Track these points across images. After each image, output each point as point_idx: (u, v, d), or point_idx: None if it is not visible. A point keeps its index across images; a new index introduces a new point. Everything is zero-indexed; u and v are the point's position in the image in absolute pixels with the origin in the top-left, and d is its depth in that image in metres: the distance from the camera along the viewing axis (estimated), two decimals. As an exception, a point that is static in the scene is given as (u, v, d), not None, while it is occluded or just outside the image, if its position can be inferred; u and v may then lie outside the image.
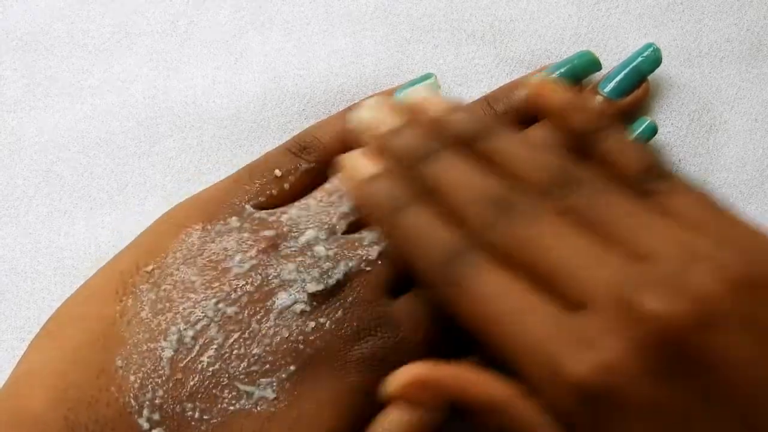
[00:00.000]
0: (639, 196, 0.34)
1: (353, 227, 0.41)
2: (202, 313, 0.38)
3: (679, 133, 0.46)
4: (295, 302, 0.39)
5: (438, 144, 0.37)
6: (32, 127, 0.46)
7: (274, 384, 0.38)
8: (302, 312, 0.38)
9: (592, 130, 0.37)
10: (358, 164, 0.38)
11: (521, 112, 0.44)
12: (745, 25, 0.48)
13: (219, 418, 0.37)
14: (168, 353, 0.38)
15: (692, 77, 0.47)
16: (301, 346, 0.38)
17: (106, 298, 0.39)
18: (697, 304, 0.30)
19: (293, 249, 0.40)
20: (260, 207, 0.41)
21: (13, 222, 0.45)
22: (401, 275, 0.40)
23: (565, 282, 0.32)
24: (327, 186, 0.42)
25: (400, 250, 0.36)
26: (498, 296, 0.33)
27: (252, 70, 0.46)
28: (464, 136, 0.37)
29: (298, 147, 0.43)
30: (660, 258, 0.32)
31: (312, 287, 0.39)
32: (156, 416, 0.37)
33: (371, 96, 0.40)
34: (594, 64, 0.45)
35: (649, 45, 0.45)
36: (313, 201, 0.41)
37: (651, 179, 0.35)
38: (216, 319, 0.38)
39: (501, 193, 0.34)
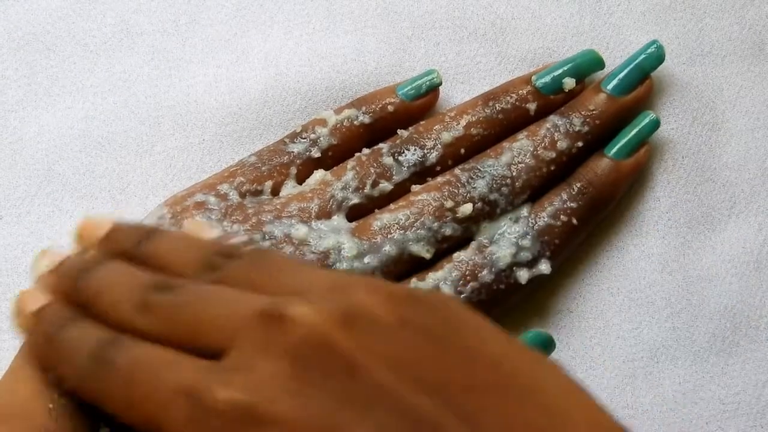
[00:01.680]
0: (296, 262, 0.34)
1: None
2: None
3: (681, 131, 0.46)
4: None
5: (97, 258, 0.36)
6: (34, 127, 0.46)
7: None
8: None
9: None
10: (26, 299, 0.37)
11: (519, 112, 0.44)
12: (747, 24, 0.48)
13: None
14: None
15: (694, 76, 0.47)
16: None
17: None
18: (347, 307, 0.29)
19: None
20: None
21: (15, 221, 0.45)
22: None
23: (209, 331, 0.31)
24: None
25: (58, 371, 0.35)
26: (147, 361, 0.32)
27: (253, 69, 0.46)
28: (121, 245, 0.36)
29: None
30: (312, 289, 0.31)
31: None
32: None
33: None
34: (597, 63, 0.45)
35: (653, 42, 0.45)
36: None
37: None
38: None
39: (153, 280, 0.34)
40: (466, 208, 0.42)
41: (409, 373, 0.28)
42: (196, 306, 0.32)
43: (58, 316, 0.35)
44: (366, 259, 0.41)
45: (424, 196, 0.42)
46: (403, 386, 0.28)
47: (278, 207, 0.42)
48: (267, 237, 0.41)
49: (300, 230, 0.41)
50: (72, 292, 0.36)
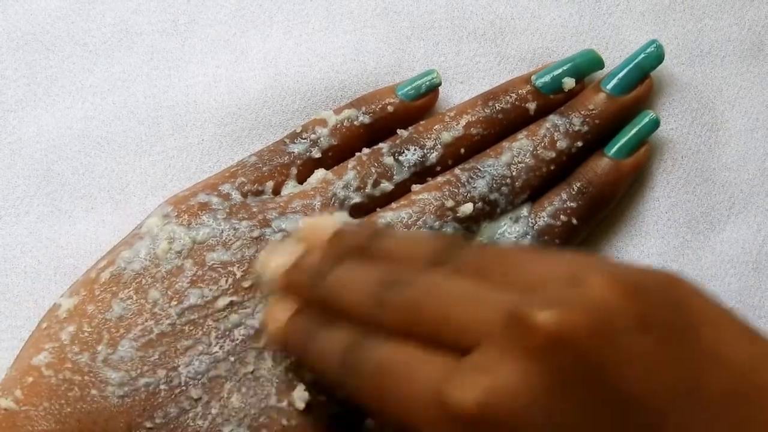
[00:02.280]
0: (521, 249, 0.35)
1: None
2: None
3: (680, 131, 0.46)
4: None
5: (333, 260, 0.37)
6: (33, 127, 0.46)
7: None
8: None
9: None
10: (277, 310, 0.38)
11: (519, 112, 0.44)
12: (746, 25, 0.48)
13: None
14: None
15: (693, 76, 0.47)
16: None
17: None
18: (590, 312, 0.29)
19: None
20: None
21: (14, 221, 0.45)
22: None
23: (455, 330, 0.31)
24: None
25: (317, 374, 0.37)
26: (392, 362, 0.32)
27: (253, 69, 0.46)
28: (352, 244, 0.37)
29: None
30: (549, 283, 0.31)
31: None
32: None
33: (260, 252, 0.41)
34: (597, 63, 0.45)
35: (652, 42, 0.45)
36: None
37: None
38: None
39: (384, 276, 0.34)
40: (467, 208, 0.42)
41: (659, 379, 0.29)
42: (436, 301, 0.32)
43: (307, 325, 0.36)
44: None
45: (424, 196, 0.42)
46: (654, 396, 0.28)
47: (282, 204, 0.42)
48: (276, 230, 0.41)
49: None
50: (312, 296, 0.37)
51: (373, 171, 0.43)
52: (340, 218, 0.39)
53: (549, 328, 0.29)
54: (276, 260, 0.38)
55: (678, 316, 0.30)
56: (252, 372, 0.39)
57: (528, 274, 0.32)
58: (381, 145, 0.44)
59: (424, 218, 0.42)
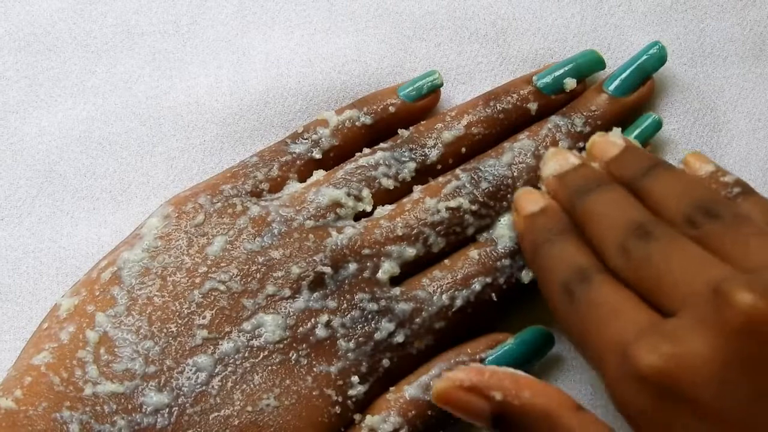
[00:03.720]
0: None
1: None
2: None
3: (682, 132, 0.46)
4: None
5: (601, 180, 0.39)
6: (35, 128, 0.46)
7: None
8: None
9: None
10: (525, 199, 0.41)
11: (520, 112, 0.44)
12: (748, 25, 0.48)
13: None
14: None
15: (695, 77, 0.47)
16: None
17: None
18: None
19: None
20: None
21: (16, 222, 0.45)
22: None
23: (668, 290, 0.33)
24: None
25: (539, 283, 0.38)
26: (602, 304, 0.34)
27: (254, 69, 0.46)
28: (627, 173, 0.39)
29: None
30: (765, 269, 0.32)
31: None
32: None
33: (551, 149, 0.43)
34: (598, 63, 0.45)
35: (655, 43, 0.45)
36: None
37: None
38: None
39: (639, 220, 0.36)
40: (468, 208, 0.42)
41: None
42: (666, 261, 0.34)
43: (549, 227, 0.39)
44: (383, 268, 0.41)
45: (425, 197, 0.42)
46: None
47: (286, 204, 0.42)
48: (276, 230, 0.41)
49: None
50: (569, 205, 0.39)
51: (373, 171, 0.43)
52: (628, 141, 0.42)
53: (743, 308, 0.30)
54: (556, 164, 0.41)
55: None
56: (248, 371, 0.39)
57: (753, 255, 0.33)
58: (382, 144, 0.44)
59: (424, 219, 0.42)
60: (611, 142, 0.41)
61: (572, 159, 0.41)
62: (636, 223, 0.36)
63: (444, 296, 0.41)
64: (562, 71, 0.45)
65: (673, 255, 0.34)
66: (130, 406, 0.38)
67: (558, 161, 0.41)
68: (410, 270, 0.42)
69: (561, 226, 0.39)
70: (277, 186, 0.43)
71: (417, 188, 0.43)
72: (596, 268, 0.36)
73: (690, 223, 0.36)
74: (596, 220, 0.37)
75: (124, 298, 0.40)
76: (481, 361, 0.41)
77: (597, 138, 0.42)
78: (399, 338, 0.40)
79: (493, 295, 0.42)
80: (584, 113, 0.44)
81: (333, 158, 0.44)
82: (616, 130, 0.43)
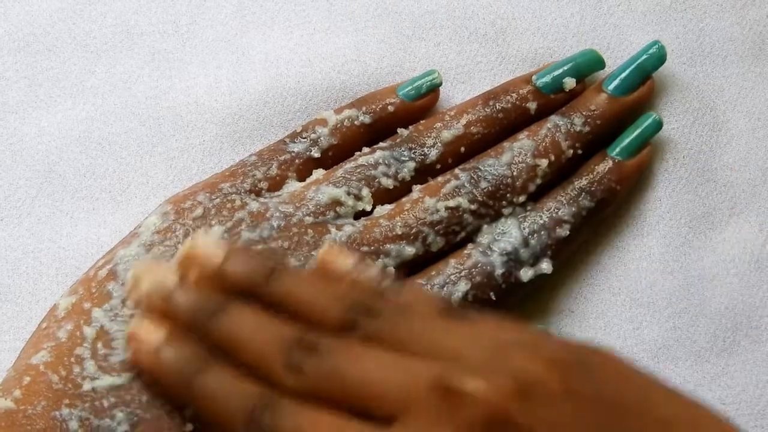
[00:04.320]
0: (437, 315, 0.34)
1: None
2: None
3: (681, 131, 0.46)
4: None
5: (222, 297, 0.36)
6: (34, 128, 0.46)
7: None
8: None
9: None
10: (143, 333, 0.37)
11: (519, 112, 0.44)
12: (748, 25, 0.48)
13: None
14: None
15: (695, 76, 0.47)
16: None
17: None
18: (517, 378, 0.30)
19: None
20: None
21: (15, 222, 0.45)
22: None
23: (377, 399, 0.31)
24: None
25: (204, 416, 0.35)
26: (309, 427, 0.32)
27: (254, 69, 0.46)
28: (245, 283, 0.36)
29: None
30: (472, 352, 0.31)
31: None
32: None
33: (139, 260, 0.39)
34: (598, 63, 0.45)
35: (654, 42, 0.45)
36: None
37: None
38: None
39: (298, 336, 0.34)
40: (467, 207, 0.42)
41: None
42: (355, 371, 0.32)
43: (188, 358, 0.35)
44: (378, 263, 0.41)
45: (424, 196, 0.42)
46: None
47: (286, 201, 0.42)
48: (275, 228, 0.41)
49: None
50: (194, 329, 0.36)
51: (373, 170, 0.43)
52: (219, 238, 0.38)
53: (477, 395, 0.29)
54: (154, 278, 0.37)
55: (603, 382, 0.30)
56: None
57: (446, 346, 0.32)
58: (381, 143, 0.44)
59: (424, 219, 0.42)
60: (209, 248, 0.37)
61: (168, 276, 0.37)
62: (292, 338, 0.33)
63: (442, 295, 0.41)
64: (561, 71, 0.45)
65: (360, 362, 0.32)
66: (128, 398, 0.38)
67: (153, 280, 0.37)
68: (409, 269, 0.42)
69: (201, 355, 0.35)
70: (276, 185, 0.43)
71: (416, 188, 0.43)
72: (274, 396, 0.33)
73: (349, 327, 0.34)
74: (241, 347, 0.34)
75: (119, 291, 0.40)
76: None
77: (190, 245, 0.37)
78: None
79: (492, 294, 0.42)
80: (584, 113, 0.44)
81: (332, 157, 0.44)
82: (214, 231, 0.39)
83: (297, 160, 0.43)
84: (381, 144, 0.44)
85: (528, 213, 0.43)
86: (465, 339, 0.32)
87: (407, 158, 0.43)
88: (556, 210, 0.43)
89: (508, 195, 0.43)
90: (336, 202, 0.42)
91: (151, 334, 0.36)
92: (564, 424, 0.29)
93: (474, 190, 0.42)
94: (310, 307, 0.35)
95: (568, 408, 0.30)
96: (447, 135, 0.43)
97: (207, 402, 0.34)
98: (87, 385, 0.38)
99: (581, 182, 0.43)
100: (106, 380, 0.38)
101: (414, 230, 0.42)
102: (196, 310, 0.36)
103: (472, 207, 0.42)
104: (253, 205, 0.42)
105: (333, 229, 0.41)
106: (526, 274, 0.42)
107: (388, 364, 0.32)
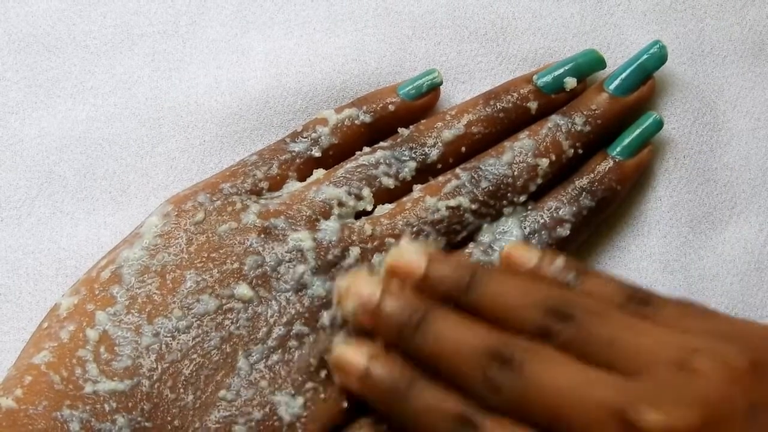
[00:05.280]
0: (629, 313, 0.35)
1: None
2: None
3: (682, 131, 0.46)
4: None
5: (425, 307, 0.36)
6: (34, 128, 0.46)
7: None
8: None
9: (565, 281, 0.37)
10: (348, 357, 0.37)
11: (520, 111, 0.44)
12: (748, 25, 0.48)
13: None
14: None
15: (695, 76, 0.47)
16: None
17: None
18: (701, 407, 0.30)
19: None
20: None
21: (15, 223, 0.45)
22: None
23: (565, 418, 0.32)
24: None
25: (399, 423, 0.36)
26: None
27: (254, 69, 0.46)
28: (448, 290, 0.37)
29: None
30: (657, 367, 0.31)
31: None
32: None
33: (350, 272, 0.40)
34: (598, 63, 0.45)
35: (655, 42, 0.45)
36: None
37: (634, 305, 0.35)
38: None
39: (494, 346, 0.34)
40: (468, 207, 0.42)
41: None
42: (545, 389, 0.33)
43: (394, 379, 0.36)
44: (373, 260, 0.41)
45: (425, 196, 0.42)
46: None
47: (287, 202, 0.42)
48: (276, 228, 0.41)
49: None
50: (398, 343, 0.36)
51: (373, 170, 0.43)
52: (426, 248, 0.38)
53: (660, 429, 0.29)
54: (359, 294, 0.38)
55: None
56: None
57: (634, 351, 0.32)
58: (382, 143, 0.44)
59: (425, 218, 0.42)
60: (413, 258, 0.38)
61: (373, 288, 0.37)
62: (490, 350, 0.34)
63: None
64: (562, 70, 0.45)
65: (548, 379, 0.33)
66: (130, 404, 0.38)
67: (357, 296, 0.37)
68: None
69: (406, 376, 0.36)
70: (276, 184, 0.43)
71: (417, 187, 0.43)
72: (476, 411, 0.34)
73: (545, 334, 0.34)
74: (445, 359, 0.35)
75: (123, 296, 0.40)
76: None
77: (395, 256, 0.38)
78: None
79: None
80: (584, 112, 0.44)
81: (332, 157, 0.44)
82: (408, 245, 0.39)
83: (298, 160, 0.43)
84: (382, 144, 0.44)
85: (529, 212, 0.43)
86: (651, 343, 0.32)
87: (408, 158, 0.43)
88: (556, 209, 0.43)
89: (508, 194, 0.43)
90: (337, 203, 0.42)
91: (357, 356, 0.37)
92: None
93: (475, 190, 0.42)
94: (506, 312, 0.35)
95: (755, 428, 0.30)
96: (448, 134, 0.43)
97: (417, 420, 0.35)
98: (89, 388, 0.38)
99: (582, 182, 0.43)
100: (108, 385, 0.38)
101: (415, 229, 0.42)
102: (403, 321, 0.36)
103: (473, 206, 0.42)
104: (254, 207, 0.42)
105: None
106: (526, 273, 0.42)
107: (575, 381, 0.32)
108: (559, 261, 0.38)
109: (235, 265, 0.40)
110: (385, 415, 0.37)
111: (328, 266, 0.41)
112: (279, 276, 0.40)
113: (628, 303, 0.35)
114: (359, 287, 0.38)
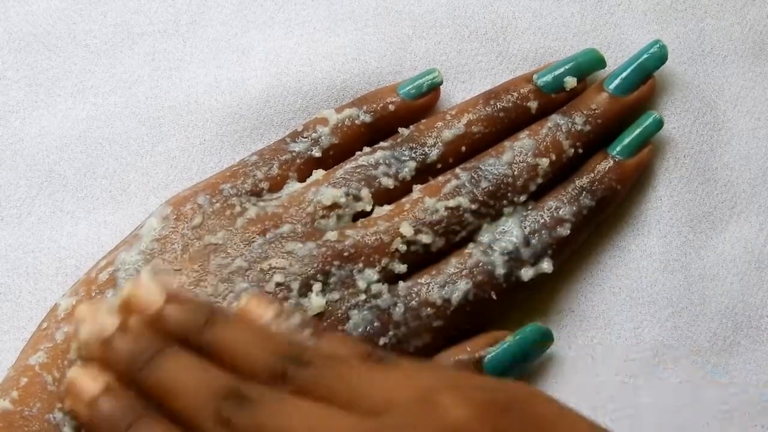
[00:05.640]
0: (365, 360, 0.34)
1: None
2: None
3: (682, 131, 0.46)
4: None
5: (158, 344, 0.35)
6: (35, 128, 0.46)
7: None
8: None
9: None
10: (81, 382, 0.35)
11: (520, 111, 0.44)
12: (748, 24, 0.48)
13: None
14: None
15: (695, 76, 0.47)
16: None
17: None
18: None
19: None
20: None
21: (16, 222, 0.45)
22: None
23: None
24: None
25: None
26: None
27: (254, 69, 0.46)
28: (182, 330, 0.35)
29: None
30: (399, 406, 0.31)
31: None
32: None
33: (79, 303, 0.39)
34: (598, 62, 0.45)
35: (655, 42, 0.45)
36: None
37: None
38: None
39: (229, 386, 0.33)
40: (467, 207, 0.42)
41: None
42: (284, 426, 0.31)
43: (121, 411, 0.34)
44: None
45: (424, 196, 0.42)
46: None
47: (285, 204, 0.42)
48: (277, 229, 0.41)
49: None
50: (133, 379, 0.35)
51: (372, 170, 0.43)
52: (165, 284, 0.37)
53: None
54: (93, 324, 0.36)
55: (531, 428, 0.30)
56: None
57: (375, 394, 0.32)
58: (382, 143, 0.44)
59: (424, 218, 0.42)
60: (150, 293, 0.36)
61: (109, 319, 0.36)
62: (224, 388, 0.33)
63: (442, 295, 0.41)
64: (562, 70, 0.45)
65: (287, 417, 0.32)
66: None
67: (93, 324, 0.36)
68: (410, 269, 0.42)
69: (133, 409, 0.34)
70: (277, 185, 0.43)
71: (416, 187, 0.43)
72: None
73: (281, 378, 0.33)
74: (174, 395, 0.34)
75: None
76: (481, 359, 0.41)
77: (132, 289, 0.36)
78: (397, 336, 0.40)
79: (493, 293, 0.42)
80: (585, 112, 0.44)
81: (333, 157, 0.43)
82: (147, 279, 0.37)
83: (298, 160, 0.43)
84: (382, 144, 0.44)
85: (529, 212, 0.43)
86: (392, 386, 0.32)
87: (408, 158, 0.43)
88: (557, 209, 0.43)
89: (508, 194, 0.43)
90: (335, 204, 0.42)
91: (90, 383, 0.35)
92: None
93: (475, 190, 0.42)
94: (242, 356, 0.34)
95: None
96: (448, 134, 0.43)
97: None
98: None
99: (582, 181, 0.43)
100: None
101: (413, 230, 0.42)
102: (133, 355, 0.35)
103: (473, 206, 0.42)
104: (252, 210, 0.42)
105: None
106: (527, 273, 0.42)
107: (316, 420, 0.31)
108: (296, 318, 0.36)
109: (225, 278, 0.40)
110: None
111: (326, 276, 0.41)
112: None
113: (366, 358, 0.34)
114: (96, 317, 0.36)
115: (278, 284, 0.40)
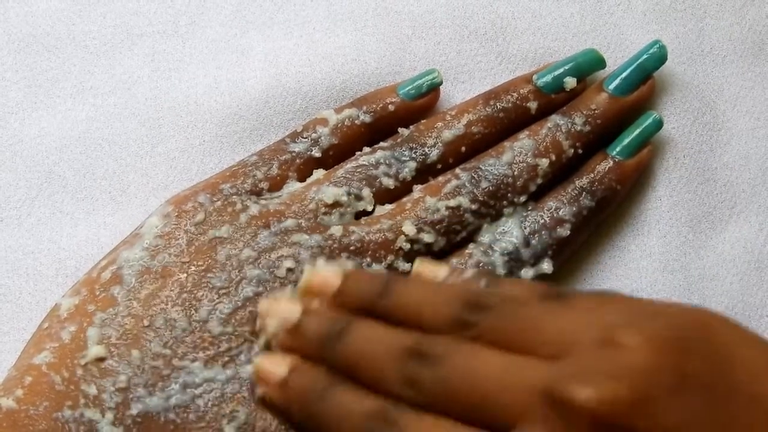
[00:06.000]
0: (544, 299, 0.34)
1: None
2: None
3: (681, 131, 0.46)
4: None
5: (346, 317, 0.37)
6: (34, 129, 0.46)
7: None
8: None
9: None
10: (268, 368, 0.37)
11: (520, 111, 0.44)
12: (747, 24, 0.48)
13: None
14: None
15: (694, 76, 0.47)
16: None
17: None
18: (630, 381, 0.29)
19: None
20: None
21: (15, 223, 0.45)
22: None
23: (491, 409, 0.31)
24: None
25: None
26: None
27: (254, 69, 0.46)
28: (364, 301, 0.37)
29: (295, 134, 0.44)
30: (581, 347, 0.31)
31: None
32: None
33: (262, 300, 0.39)
34: (598, 62, 0.45)
35: (655, 42, 0.45)
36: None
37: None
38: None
39: (411, 346, 0.34)
40: (468, 207, 0.42)
41: None
42: (470, 380, 0.32)
43: (310, 385, 0.36)
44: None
45: (425, 196, 0.42)
46: None
47: (287, 202, 0.42)
48: (277, 231, 0.41)
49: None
50: (323, 357, 0.36)
51: (373, 170, 0.43)
52: (341, 267, 0.39)
53: (591, 406, 0.29)
54: (280, 314, 0.38)
55: (714, 365, 0.30)
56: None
57: (556, 336, 0.32)
58: (382, 143, 0.44)
59: (425, 218, 0.42)
60: (327, 274, 0.38)
61: (293, 307, 0.38)
62: (407, 349, 0.34)
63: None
64: (562, 70, 0.45)
65: (471, 369, 0.32)
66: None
67: (279, 315, 0.38)
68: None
69: (325, 379, 0.36)
70: (276, 185, 0.43)
71: (417, 187, 0.43)
72: (393, 407, 0.34)
73: (462, 326, 0.34)
74: (363, 364, 0.35)
75: (124, 297, 0.40)
76: None
77: (310, 275, 0.38)
78: None
79: None
80: (584, 112, 0.44)
81: (332, 157, 0.44)
82: (323, 264, 0.40)
83: (298, 160, 0.43)
84: (382, 144, 0.44)
85: (529, 213, 0.43)
86: (572, 325, 0.32)
87: (408, 158, 0.43)
88: (557, 210, 0.43)
89: (508, 195, 0.43)
90: (336, 203, 0.42)
91: (277, 367, 0.37)
92: (684, 421, 0.29)
93: (475, 190, 0.42)
94: (424, 311, 0.35)
95: (685, 404, 0.29)
96: (448, 135, 0.43)
97: (330, 425, 0.35)
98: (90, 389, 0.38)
99: (582, 182, 0.43)
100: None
101: (415, 230, 0.42)
102: (322, 334, 0.36)
103: (473, 207, 0.42)
104: (254, 208, 0.42)
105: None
106: (527, 273, 0.42)
107: (500, 368, 0.32)
108: (469, 272, 0.37)
109: (236, 266, 0.40)
110: (303, 421, 0.36)
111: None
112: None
113: (544, 297, 0.34)
114: (279, 308, 0.38)
115: (289, 269, 0.40)
